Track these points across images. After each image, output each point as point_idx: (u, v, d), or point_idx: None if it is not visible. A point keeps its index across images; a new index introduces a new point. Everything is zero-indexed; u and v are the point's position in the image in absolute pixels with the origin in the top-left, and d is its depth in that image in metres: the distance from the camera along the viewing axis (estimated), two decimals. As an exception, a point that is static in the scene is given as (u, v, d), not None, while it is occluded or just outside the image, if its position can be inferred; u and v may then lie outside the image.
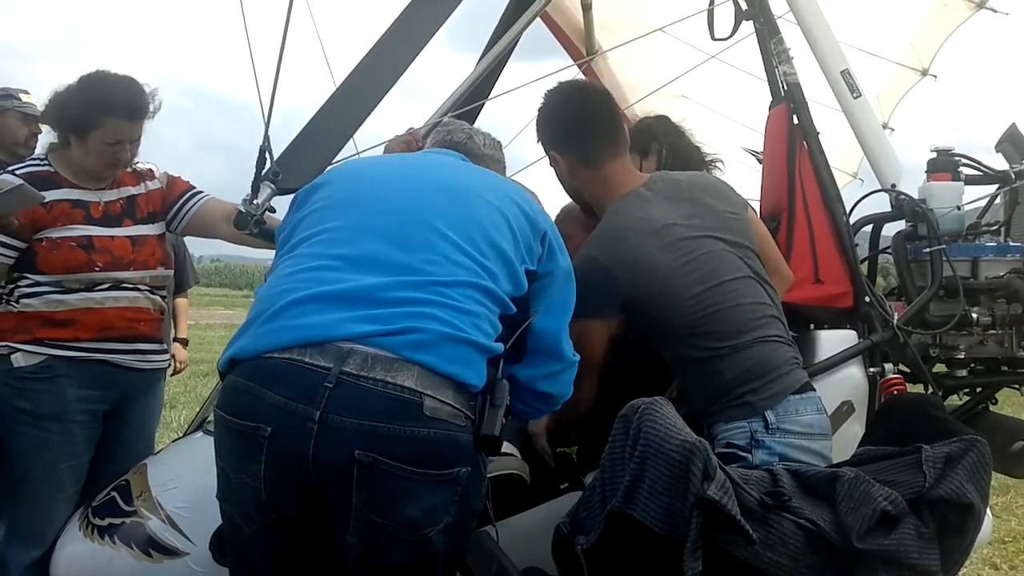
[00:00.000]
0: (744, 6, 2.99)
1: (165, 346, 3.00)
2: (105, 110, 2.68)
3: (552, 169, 2.48)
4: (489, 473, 2.29)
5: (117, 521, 2.49)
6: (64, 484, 2.72)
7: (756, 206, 2.86)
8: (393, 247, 1.79)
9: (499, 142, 2.39)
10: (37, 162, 2.82)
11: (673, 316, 2.24)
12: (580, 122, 2.36)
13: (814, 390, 2.26)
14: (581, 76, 4.15)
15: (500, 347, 1.78)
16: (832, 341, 2.66)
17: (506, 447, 2.44)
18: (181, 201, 2.92)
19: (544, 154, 2.47)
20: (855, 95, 2.97)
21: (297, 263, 1.83)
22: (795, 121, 2.90)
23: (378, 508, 1.64)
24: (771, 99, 3.03)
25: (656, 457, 1.46)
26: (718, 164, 3.02)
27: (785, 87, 2.93)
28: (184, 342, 4.84)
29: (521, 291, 1.90)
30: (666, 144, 2.93)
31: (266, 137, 2.31)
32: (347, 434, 1.61)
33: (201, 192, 2.96)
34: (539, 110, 2.41)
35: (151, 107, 2.76)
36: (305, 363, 1.65)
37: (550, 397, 2.00)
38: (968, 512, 1.49)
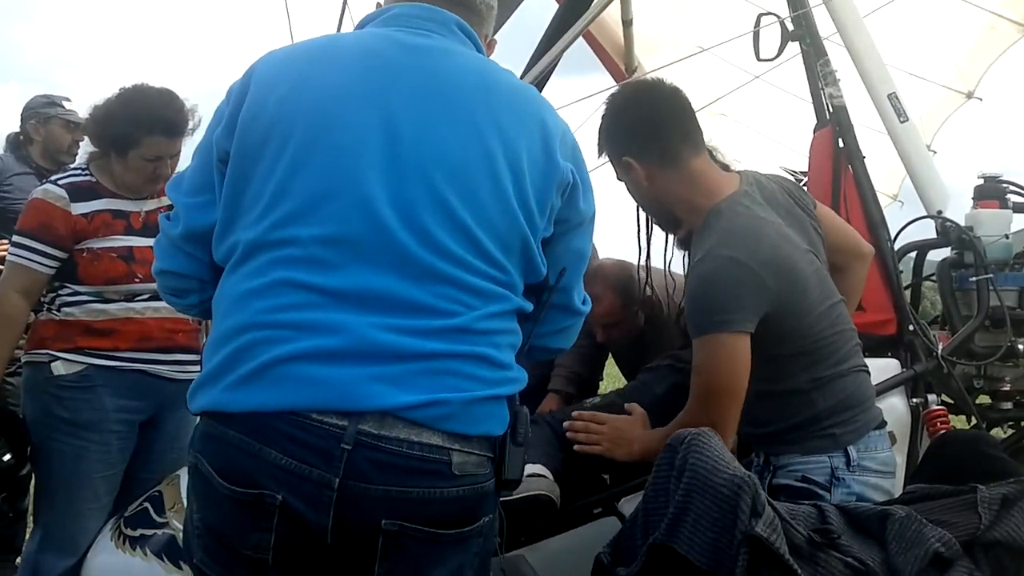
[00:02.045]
0: (791, 27, 2.96)
1: (202, 356, 3.00)
2: (145, 128, 2.69)
3: (623, 182, 2.22)
4: (517, 495, 2.24)
5: (149, 532, 2.50)
6: (99, 493, 2.73)
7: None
8: (396, 276, 1.46)
9: None
10: (79, 172, 2.84)
11: (799, 336, 1.99)
12: (654, 120, 2.11)
13: (886, 424, 2.16)
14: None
15: (524, 374, 1.58)
16: (874, 370, 2.60)
17: (536, 468, 2.41)
18: None
19: (607, 163, 2.23)
20: (902, 119, 2.94)
21: (269, 289, 1.46)
22: (840, 144, 2.86)
23: None
24: (816, 121, 3.00)
25: (703, 490, 1.42)
26: (716, 152, 2.86)
27: (831, 109, 2.90)
28: None
29: (539, 277, 1.62)
30: None
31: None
32: (372, 502, 1.41)
33: None
34: (604, 116, 2.19)
35: (191, 123, 2.77)
36: (313, 420, 1.40)
37: (557, 351, 1.79)
38: (1025, 557, 1.45)
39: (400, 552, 1.44)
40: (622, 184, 2.22)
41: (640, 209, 2.45)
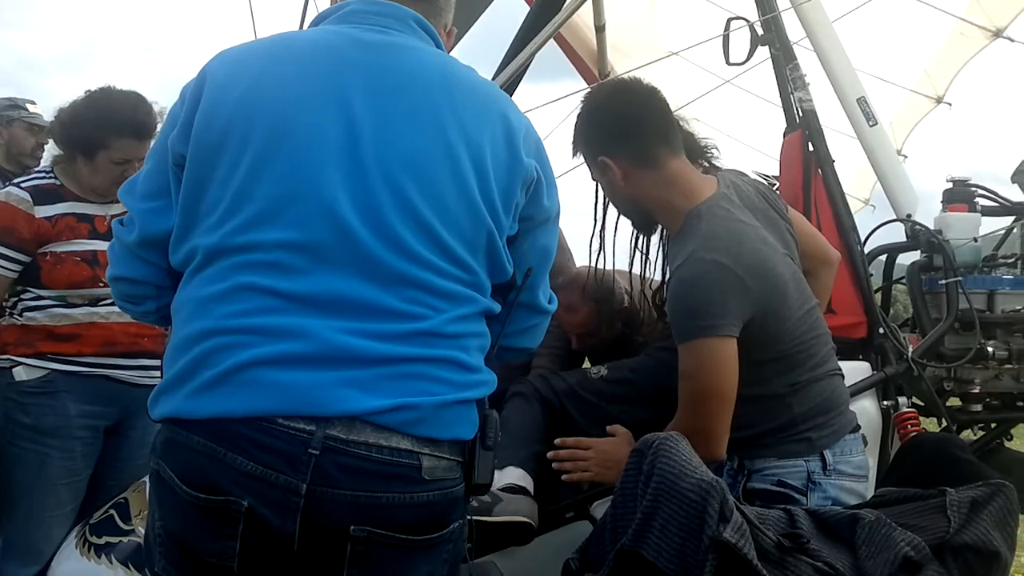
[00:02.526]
0: (760, 31, 2.97)
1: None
2: (113, 130, 2.66)
3: (598, 182, 2.20)
4: (497, 517, 2.21)
5: (114, 539, 2.46)
6: (62, 500, 2.69)
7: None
8: (361, 280, 1.43)
9: None
10: (43, 175, 2.80)
11: (779, 340, 1.96)
12: (631, 119, 2.06)
13: (860, 428, 2.15)
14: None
15: (494, 377, 1.57)
16: (846, 373, 2.60)
17: (516, 475, 2.38)
18: None
19: (582, 164, 2.18)
20: (871, 123, 2.96)
21: (230, 294, 1.43)
22: (810, 148, 2.87)
23: None
24: (786, 126, 3.01)
25: (670, 495, 1.41)
26: (713, 151, 2.83)
27: (801, 114, 2.91)
28: None
29: (506, 276, 1.59)
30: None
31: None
32: (339, 508, 1.38)
33: None
34: (580, 115, 2.13)
35: (159, 125, 2.74)
36: (279, 425, 1.36)
37: (524, 351, 1.76)
38: (994, 560, 1.44)
39: (369, 559, 1.41)
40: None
41: (620, 215, 2.35)
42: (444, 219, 1.47)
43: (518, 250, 1.60)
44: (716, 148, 2.43)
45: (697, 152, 2.30)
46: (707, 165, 2.28)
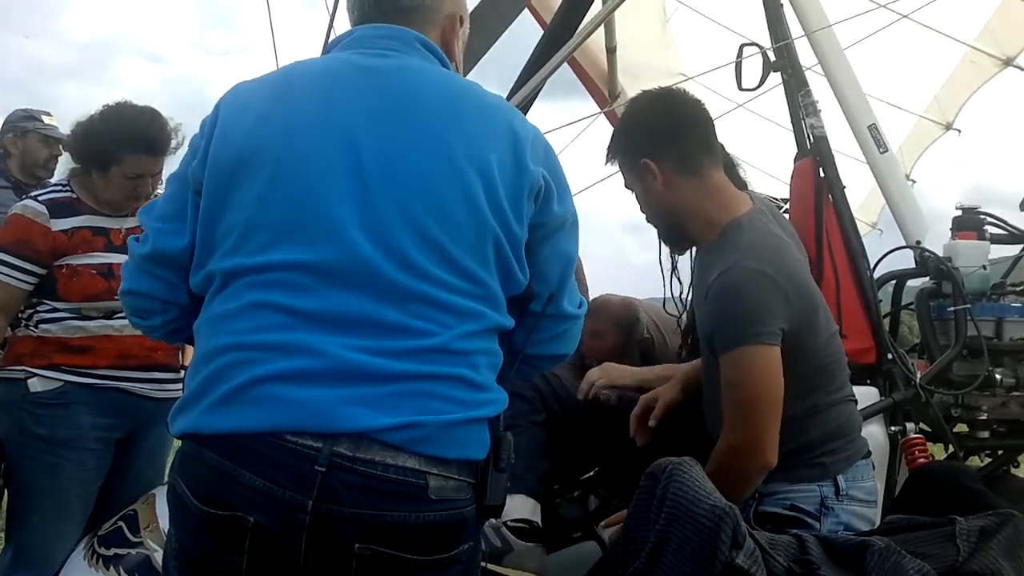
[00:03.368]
0: (772, 58, 2.99)
1: (181, 375, 2.99)
2: (127, 146, 2.69)
3: (631, 190, 2.15)
4: (507, 570, 2.18)
5: (123, 551, 2.46)
6: (73, 511, 2.71)
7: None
8: (370, 298, 1.45)
9: None
10: (60, 188, 2.83)
11: (809, 357, 1.95)
12: (678, 125, 2.05)
13: (871, 454, 2.15)
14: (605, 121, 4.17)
15: (505, 396, 1.56)
16: (854, 398, 2.63)
17: (529, 510, 2.36)
18: None
19: (616, 171, 2.17)
20: (882, 150, 2.97)
21: (245, 312, 1.47)
22: (821, 174, 2.89)
23: None
24: (797, 151, 3.03)
25: (683, 521, 1.42)
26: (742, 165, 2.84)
27: (812, 140, 2.92)
28: None
29: (520, 287, 1.59)
30: None
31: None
32: (345, 525, 1.39)
33: None
34: (623, 118, 2.13)
35: (174, 142, 2.77)
36: (288, 441, 1.39)
37: (560, 357, 1.73)
38: (1003, 590, 1.45)
39: None
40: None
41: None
42: (452, 233, 1.49)
43: (537, 258, 1.60)
44: (740, 165, 2.44)
45: (731, 167, 2.31)
46: (739, 181, 2.28)
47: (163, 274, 1.61)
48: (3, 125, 4.06)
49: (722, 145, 2.25)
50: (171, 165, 2.79)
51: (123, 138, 2.69)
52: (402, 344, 1.44)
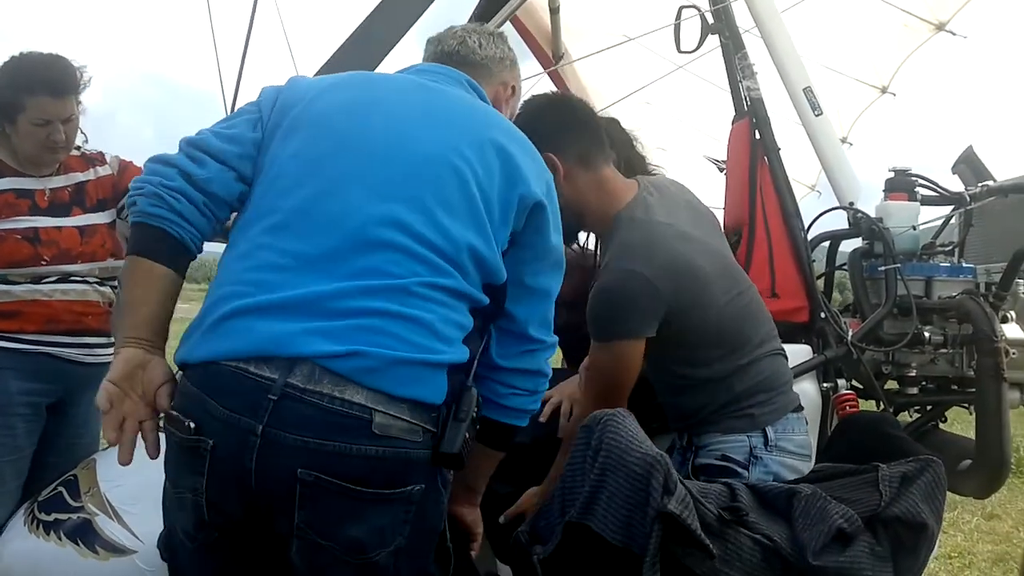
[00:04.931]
0: (710, 20, 3.01)
1: (112, 340, 2.92)
2: (27, 89, 2.58)
3: None
4: None
5: (63, 516, 2.42)
6: (5, 478, 2.64)
7: (719, 215, 2.87)
8: (351, 246, 1.59)
9: (501, 33, 2.13)
10: (-24, 149, 2.72)
11: (705, 327, 2.09)
12: (574, 122, 2.20)
13: (803, 409, 2.23)
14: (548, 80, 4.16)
15: (465, 355, 1.65)
16: (787, 355, 2.68)
17: None
18: None
19: None
20: (816, 113, 3.02)
21: (250, 252, 1.64)
22: (757, 136, 2.92)
23: (320, 529, 1.53)
24: (734, 113, 3.06)
25: (616, 469, 1.44)
26: (640, 140, 2.82)
27: (748, 102, 2.96)
28: None
29: (499, 279, 1.72)
30: (619, 152, 2.74)
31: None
32: (289, 450, 1.49)
33: None
34: (525, 112, 2.20)
35: (80, 83, 2.66)
36: (250, 373, 1.51)
37: (530, 374, 1.80)
38: (922, 531, 1.50)
39: (317, 502, 1.51)
40: None
41: None
42: (444, 206, 1.64)
43: (516, 278, 1.74)
44: (638, 139, 2.69)
45: (630, 145, 2.56)
46: (638, 156, 2.49)
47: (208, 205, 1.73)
48: None
49: (619, 124, 2.52)
50: (109, 122, 2.72)
51: (23, 83, 2.58)
52: (370, 283, 1.56)
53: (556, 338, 1.82)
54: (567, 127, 2.18)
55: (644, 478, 1.35)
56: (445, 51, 1.98)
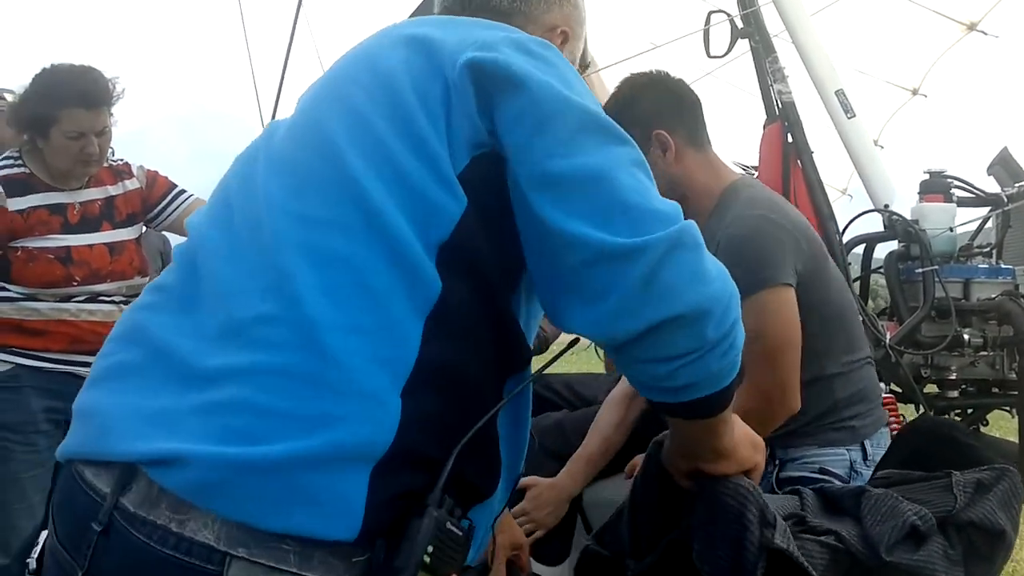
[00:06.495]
0: (740, 25, 3.00)
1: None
2: (60, 101, 2.56)
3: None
4: None
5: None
6: (27, 493, 2.62)
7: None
8: (229, 260, 1.02)
9: None
10: (12, 162, 2.70)
11: (828, 307, 1.92)
12: (688, 98, 2.05)
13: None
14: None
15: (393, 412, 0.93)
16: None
17: None
18: (165, 202, 2.85)
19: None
20: (849, 115, 3.00)
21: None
22: (789, 139, 2.90)
23: None
24: (766, 117, 3.04)
25: (706, 500, 1.34)
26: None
27: (780, 106, 2.94)
28: None
29: (447, 222, 0.98)
30: None
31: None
32: None
33: (185, 192, 2.89)
34: (621, 97, 2.03)
35: (112, 94, 2.65)
36: (84, 481, 0.97)
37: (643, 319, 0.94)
38: (1000, 539, 1.44)
39: None
40: None
41: None
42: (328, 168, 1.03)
43: (523, 180, 0.98)
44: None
45: None
46: None
47: None
48: None
49: None
50: (142, 140, 2.70)
51: (56, 95, 2.57)
52: (238, 315, 0.96)
53: (662, 229, 0.94)
54: (675, 105, 2.02)
55: (737, 511, 1.26)
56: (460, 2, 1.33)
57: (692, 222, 0.97)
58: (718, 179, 2.03)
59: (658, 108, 2.01)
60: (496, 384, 1.03)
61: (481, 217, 1.00)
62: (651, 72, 2.14)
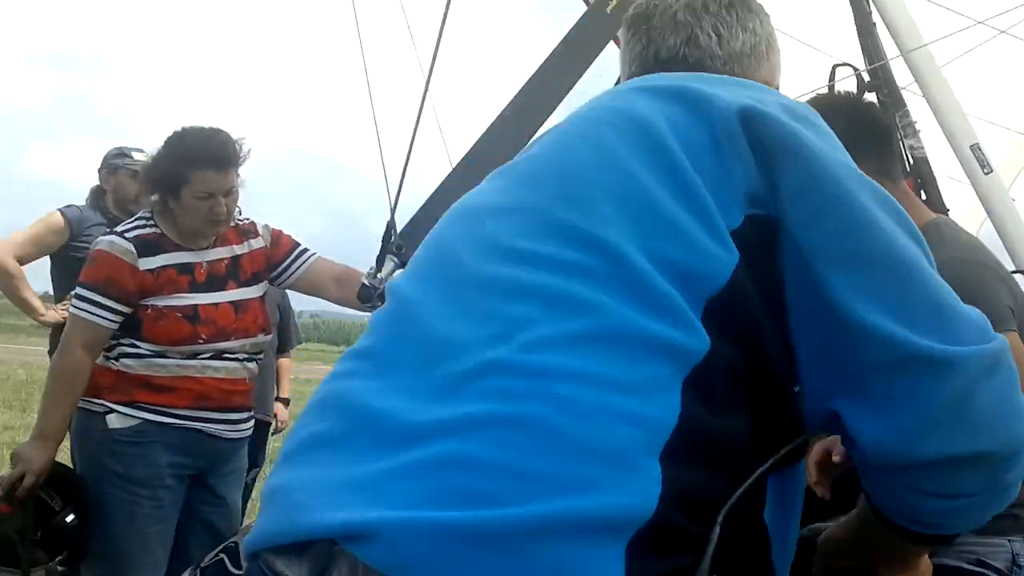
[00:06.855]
0: (867, 78, 2.89)
1: (252, 413, 2.95)
2: (191, 162, 2.65)
3: None
4: None
5: (226, 583, 2.43)
6: (152, 548, 2.67)
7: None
8: (444, 314, 0.91)
9: (745, 2, 1.23)
10: (144, 222, 2.80)
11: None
12: (879, 126, 1.90)
13: None
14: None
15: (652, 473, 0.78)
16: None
17: None
18: (288, 260, 2.91)
19: None
20: (986, 171, 2.85)
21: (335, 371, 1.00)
22: (923, 196, 2.76)
23: None
24: (897, 173, 2.90)
25: None
26: None
27: (911, 161, 2.81)
28: (286, 402, 4.82)
29: (712, 284, 0.85)
30: None
31: (392, 214, 2.30)
32: None
33: (308, 251, 2.94)
34: (826, 111, 1.95)
35: (240, 155, 2.73)
36: (276, 574, 0.85)
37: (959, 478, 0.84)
38: None
39: None
40: None
41: None
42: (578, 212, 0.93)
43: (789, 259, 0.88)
44: None
45: None
46: None
47: None
48: (101, 163, 4.18)
49: None
50: (252, 189, 2.78)
51: (186, 157, 2.66)
52: (457, 368, 0.84)
53: (977, 342, 0.82)
54: (869, 133, 1.84)
55: None
56: (659, 56, 1.17)
57: (1006, 339, 0.84)
58: (916, 215, 1.81)
59: (848, 136, 1.89)
60: (761, 460, 0.85)
61: (753, 275, 0.86)
62: (842, 95, 1.99)
